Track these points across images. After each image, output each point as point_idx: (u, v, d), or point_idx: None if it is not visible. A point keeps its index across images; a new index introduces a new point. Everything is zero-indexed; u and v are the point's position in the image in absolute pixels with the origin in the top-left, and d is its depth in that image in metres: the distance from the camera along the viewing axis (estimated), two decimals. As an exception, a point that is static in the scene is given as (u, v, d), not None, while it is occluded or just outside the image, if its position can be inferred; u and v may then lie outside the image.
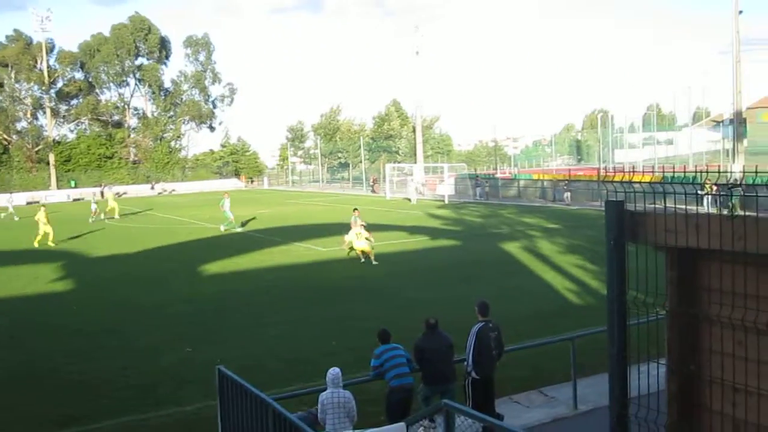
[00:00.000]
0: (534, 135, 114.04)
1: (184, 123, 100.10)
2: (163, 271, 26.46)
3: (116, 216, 48.28)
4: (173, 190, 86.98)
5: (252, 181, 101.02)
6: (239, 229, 38.64)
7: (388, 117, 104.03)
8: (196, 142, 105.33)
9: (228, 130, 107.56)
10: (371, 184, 75.80)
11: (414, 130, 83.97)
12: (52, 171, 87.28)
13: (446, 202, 55.40)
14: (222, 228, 38.41)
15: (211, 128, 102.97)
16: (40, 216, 35.27)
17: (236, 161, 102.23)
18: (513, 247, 29.11)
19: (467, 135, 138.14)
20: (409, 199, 56.77)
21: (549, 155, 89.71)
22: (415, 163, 74.52)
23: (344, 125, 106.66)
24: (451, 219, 41.86)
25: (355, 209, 29.36)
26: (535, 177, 59.81)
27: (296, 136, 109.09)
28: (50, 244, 34.35)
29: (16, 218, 50.71)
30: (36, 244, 34.12)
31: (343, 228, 29.60)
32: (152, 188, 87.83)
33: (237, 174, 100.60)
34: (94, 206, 47.23)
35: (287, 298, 20.87)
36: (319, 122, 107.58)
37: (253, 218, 44.18)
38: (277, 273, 25.27)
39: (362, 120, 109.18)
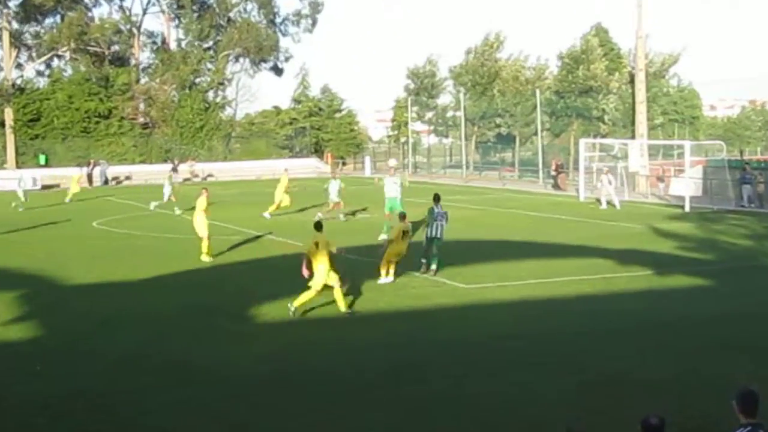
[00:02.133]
0: None
1: (231, 60, 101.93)
2: (193, 309, 27.06)
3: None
4: (209, 176, 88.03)
5: (344, 164, 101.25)
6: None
7: (585, 56, 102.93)
8: (252, 93, 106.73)
9: (306, 74, 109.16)
10: (553, 173, 75.21)
11: (632, 80, 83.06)
12: (9, 138, 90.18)
13: (687, 209, 54.60)
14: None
15: (278, 70, 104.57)
16: (199, 209, 35.58)
17: (318, 128, 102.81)
18: (806, 293, 28.57)
19: (728, 90, 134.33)
20: (613, 204, 55.58)
21: None
22: (632, 137, 73.66)
23: (508, 69, 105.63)
24: (694, 240, 41.34)
25: None
26: None
27: (423, 87, 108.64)
28: (204, 257, 35.02)
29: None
30: (207, 259, 35.04)
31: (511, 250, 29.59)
32: (174, 170, 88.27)
33: (319, 150, 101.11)
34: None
35: (399, 365, 20.99)
36: (463, 63, 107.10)
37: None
38: (380, 323, 25.60)
39: (540, 60, 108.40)
